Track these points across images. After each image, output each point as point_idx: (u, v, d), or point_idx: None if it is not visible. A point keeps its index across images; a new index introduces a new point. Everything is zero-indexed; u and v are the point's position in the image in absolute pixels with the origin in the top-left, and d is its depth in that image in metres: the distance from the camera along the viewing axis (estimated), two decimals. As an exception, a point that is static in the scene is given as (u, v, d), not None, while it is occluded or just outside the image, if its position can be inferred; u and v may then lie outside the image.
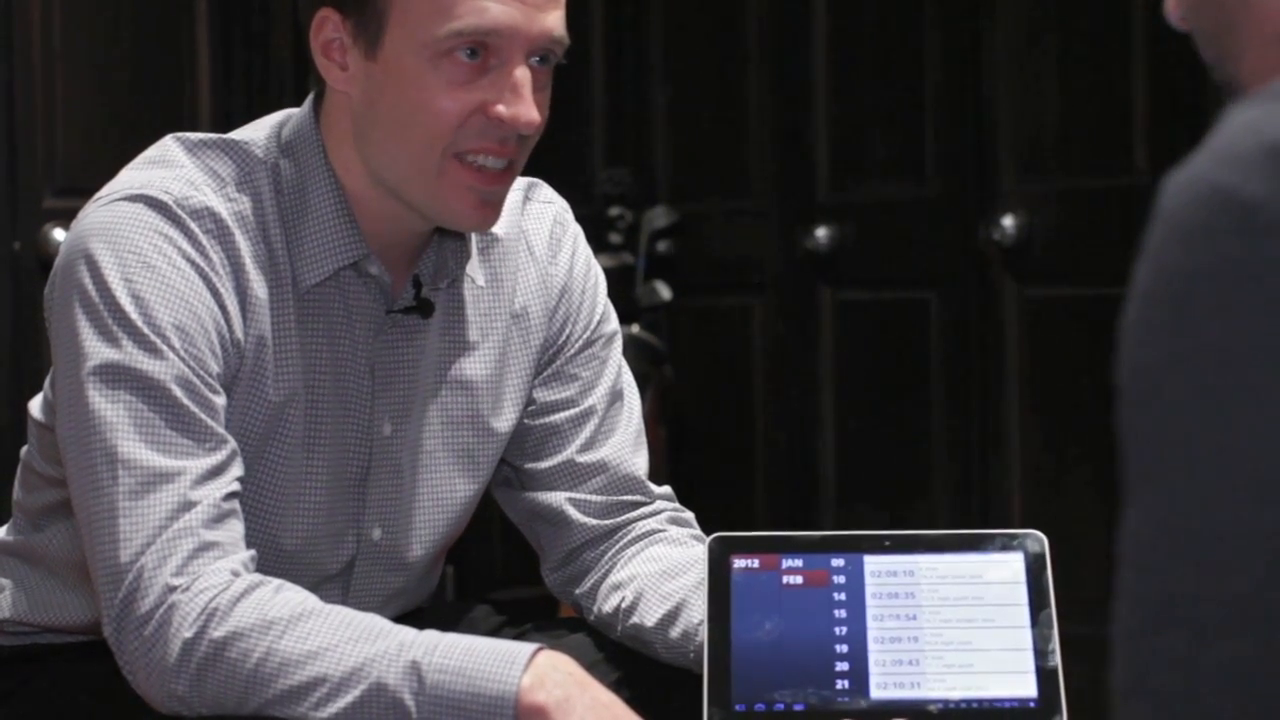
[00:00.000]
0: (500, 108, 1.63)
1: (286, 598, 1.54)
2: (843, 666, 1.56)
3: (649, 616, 1.73)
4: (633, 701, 1.66)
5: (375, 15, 1.63)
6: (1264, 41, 1.01)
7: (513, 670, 1.48)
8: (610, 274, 2.04)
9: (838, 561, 1.61)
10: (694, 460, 4.09)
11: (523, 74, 1.63)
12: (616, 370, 1.87)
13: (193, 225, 1.64)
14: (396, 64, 1.63)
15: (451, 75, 1.62)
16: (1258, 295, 0.86)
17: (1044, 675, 1.54)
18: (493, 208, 1.68)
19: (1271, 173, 0.87)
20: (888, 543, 1.62)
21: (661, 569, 1.76)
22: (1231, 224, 0.87)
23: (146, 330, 1.59)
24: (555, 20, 1.65)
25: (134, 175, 1.68)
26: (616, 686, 1.76)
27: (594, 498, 1.82)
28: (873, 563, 1.61)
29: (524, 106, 1.63)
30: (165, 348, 1.59)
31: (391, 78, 1.64)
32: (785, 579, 1.61)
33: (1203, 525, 0.87)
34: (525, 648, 1.51)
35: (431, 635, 1.52)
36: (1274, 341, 0.86)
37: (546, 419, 1.83)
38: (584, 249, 1.88)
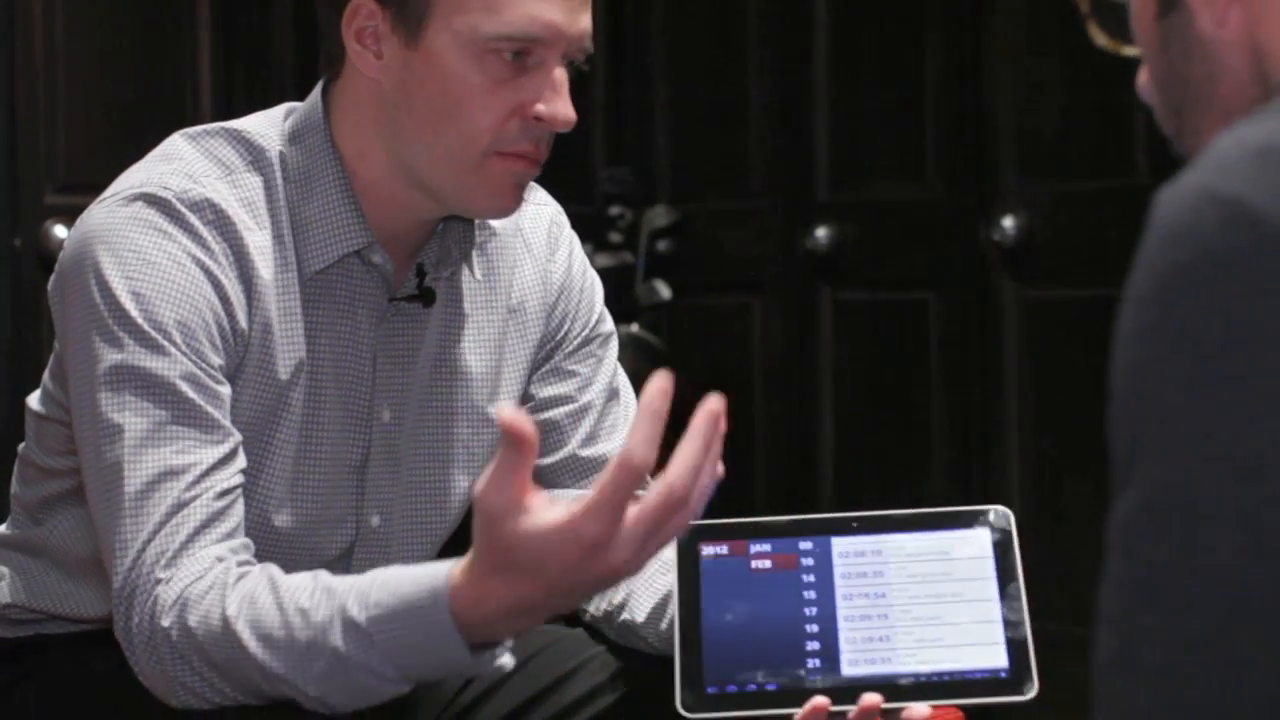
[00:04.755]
0: (540, 106, 1.65)
1: (241, 593, 1.50)
2: (813, 645, 1.58)
3: (639, 612, 1.75)
4: (625, 700, 1.67)
5: (418, 5, 1.64)
6: (1224, 119, 1.04)
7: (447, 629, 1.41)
8: (610, 273, 2.05)
9: (806, 545, 1.63)
10: (693, 460, 4.09)
11: (561, 74, 1.65)
12: (613, 370, 1.89)
13: (192, 218, 1.64)
14: (438, 57, 1.64)
15: (495, 73, 1.64)
16: (1239, 282, 0.88)
17: (1014, 646, 1.55)
18: (522, 193, 1.71)
19: (1257, 170, 0.89)
20: (855, 524, 1.64)
21: (653, 564, 1.76)
22: (1217, 218, 0.89)
23: (149, 329, 1.60)
24: (588, 21, 1.67)
25: (135, 173, 1.70)
26: (611, 683, 1.77)
27: None
28: (840, 544, 1.63)
29: (562, 105, 1.65)
30: (169, 345, 1.60)
31: (432, 69, 1.65)
32: (754, 564, 1.63)
33: (1185, 504, 0.89)
34: (440, 598, 1.41)
35: (358, 595, 1.45)
36: (1255, 326, 0.87)
37: (545, 415, 1.84)
38: (580, 252, 1.90)
